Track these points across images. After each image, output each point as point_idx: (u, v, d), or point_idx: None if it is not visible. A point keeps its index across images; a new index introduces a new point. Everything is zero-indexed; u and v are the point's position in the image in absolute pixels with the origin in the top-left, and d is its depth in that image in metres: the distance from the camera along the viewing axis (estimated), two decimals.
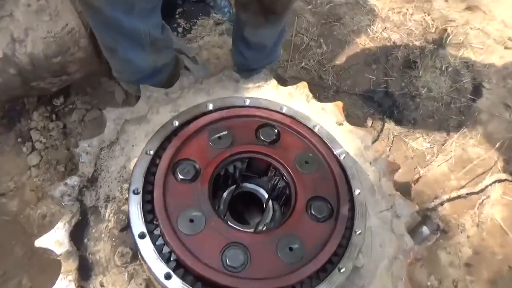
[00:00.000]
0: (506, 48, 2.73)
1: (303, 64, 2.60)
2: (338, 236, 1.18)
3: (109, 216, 1.23)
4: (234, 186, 1.40)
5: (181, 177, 1.21)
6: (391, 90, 2.53)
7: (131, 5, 1.26)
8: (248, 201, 1.44)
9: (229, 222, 1.25)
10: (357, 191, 1.27)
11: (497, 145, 2.36)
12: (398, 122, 2.47)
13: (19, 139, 2.14)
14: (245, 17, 1.71)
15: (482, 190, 2.27)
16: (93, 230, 1.21)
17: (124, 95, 2.24)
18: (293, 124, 1.37)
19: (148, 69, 1.61)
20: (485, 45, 2.72)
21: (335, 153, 1.35)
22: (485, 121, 2.46)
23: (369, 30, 2.71)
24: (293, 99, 1.53)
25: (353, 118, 2.43)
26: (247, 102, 1.43)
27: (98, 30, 1.37)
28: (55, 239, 1.16)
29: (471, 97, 2.52)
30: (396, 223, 1.35)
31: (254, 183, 1.43)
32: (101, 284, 1.15)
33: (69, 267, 1.13)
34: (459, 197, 2.25)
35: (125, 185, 1.26)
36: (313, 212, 1.22)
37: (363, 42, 2.68)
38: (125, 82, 1.79)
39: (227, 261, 1.09)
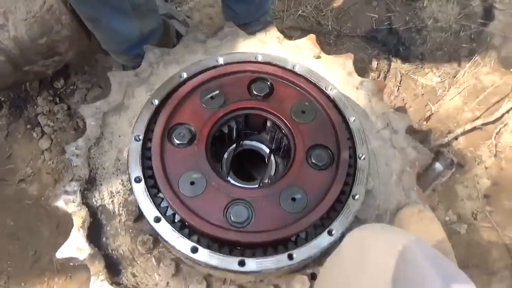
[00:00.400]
0: None
1: (300, 12, 2.49)
2: (340, 181, 1.16)
3: (119, 211, 1.25)
4: (234, 145, 1.40)
5: (177, 142, 1.21)
6: (395, 27, 2.41)
7: None
8: (252, 158, 1.44)
9: (232, 181, 1.25)
10: (351, 119, 1.26)
11: None
12: (405, 59, 2.36)
13: (29, 125, 2.19)
14: None
15: (498, 119, 2.19)
16: (108, 228, 1.23)
17: (122, 69, 2.22)
18: (286, 75, 1.33)
19: (134, 37, 1.57)
20: None
21: (321, 87, 1.32)
22: (498, 45, 2.32)
23: None
24: (265, 46, 1.50)
25: (357, 61, 2.34)
26: (221, 61, 1.38)
27: (76, 2, 1.33)
28: (75, 247, 1.17)
29: (482, 21, 2.36)
30: (396, 139, 1.37)
31: (254, 140, 1.42)
32: (133, 275, 1.18)
33: (97, 268, 1.15)
34: (474, 129, 2.18)
35: (125, 176, 1.27)
36: (313, 160, 1.20)
37: None
38: (114, 53, 1.76)
39: (231, 217, 1.11)
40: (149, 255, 1.20)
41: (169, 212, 1.14)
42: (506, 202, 2.06)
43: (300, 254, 1.07)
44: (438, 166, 1.83)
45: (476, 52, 2.32)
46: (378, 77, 2.33)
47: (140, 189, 1.14)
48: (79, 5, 1.35)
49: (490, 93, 2.25)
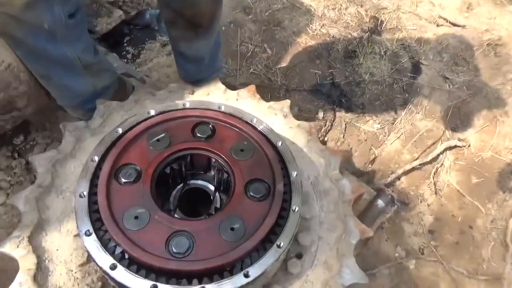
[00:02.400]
0: (437, 26, 2.91)
1: (251, 70, 2.73)
2: (275, 210, 1.26)
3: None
4: (181, 184, 1.49)
5: (124, 180, 1.29)
6: (337, 81, 2.67)
7: (53, 32, 1.34)
8: (198, 196, 1.53)
9: (175, 215, 1.33)
10: (279, 143, 1.42)
11: (441, 115, 2.50)
12: (348, 109, 2.59)
13: None
14: (176, 33, 1.83)
15: (434, 159, 2.40)
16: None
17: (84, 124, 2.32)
18: (226, 118, 1.47)
19: (87, 93, 1.69)
20: (418, 25, 2.90)
21: (272, 141, 1.45)
22: (427, 95, 2.61)
23: (308, 29, 2.87)
24: (210, 96, 1.69)
25: (305, 112, 2.55)
26: (187, 105, 1.53)
27: (27, 60, 1.45)
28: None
29: (412, 75, 2.67)
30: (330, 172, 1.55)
31: (200, 179, 1.52)
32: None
33: None
34: (413, 169, 2.37)
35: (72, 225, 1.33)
36: (251, 193, 1.31)
37: (304, 41, 2.83)
38: (69, 108, 1.87)
39: (173, 248, 1.17)
40: None
41: (125, 257, 1.18)
42: (449, 236, 2.19)
43: (255, 271, 1.15)
44: (380, 202, 1.96)
45: (409, 101, 2.59)
46: (325, 125, 2.53)
47: (91, 241, 1.18)
48: (30, 63, 1.47)
49: (425, 137, 2.48)
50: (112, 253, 1.18)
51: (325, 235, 1.45)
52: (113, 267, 1.15)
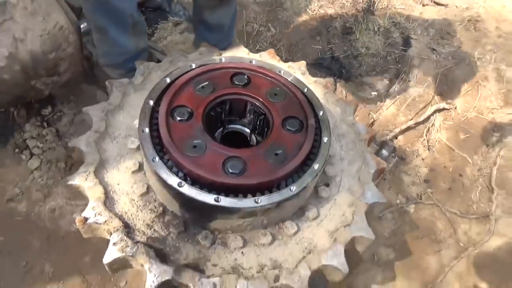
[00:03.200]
0: (423, 5, 3.23)
1: (257, 47, 2.96)
2: (310, 139, 1.50)
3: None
4: (222, 128, 1.70)
5: (178, 118, 1.50)
6: (336, 55, 2.94)
7: None
8: (235, 139, 1.75)
9: None
10: (305, 89, 1.65)
11: (430, 82, 2.80)
12: (347, 79, 2.86)
13: (17, 150, 2.34)
14: (202, 1, 2.05)
15: (426, 120, 2.69)
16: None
17: (106, 96, 2.50)
18: (259, 69, 1.70)
19: (131, 51, 1.90)
20: (406, 5, 3.21)
21: (299, 87, 1.69)
22: (418, 65, 2.91)
23: (308, 10, 3.13)
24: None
25: None
26: (223, 60, 1.74)
27: (91, 11, 1.65)
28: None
29: (403, 48, 2.97)
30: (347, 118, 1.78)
31: (237, 124, 1.74)
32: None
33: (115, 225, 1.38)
34: (408, 128, 2.65)
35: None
36: (288, 127, 1.54)
37: (305, 20, 3.09)
38: (112, 65, 2.06)
39: (229, 169, 1.39)
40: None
41: (187, 178, 1.37)
42: (442, 183, 2.48)
43: (297, 186, 1.38)
44: (384, 152, 2.23)
45: (401, 71, 2.88)
46: None
47: (159, 165, 1.36)
48: (95, 14, 1.67)
49: (417, 101, 2.78)
50: (177, 175, 1.38)
51: (346, 168, 1.69)
52: (180, 185, 1.35)
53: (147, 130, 1.47)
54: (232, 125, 1.74)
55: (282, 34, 3.04)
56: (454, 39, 3.00)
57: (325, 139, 1.54)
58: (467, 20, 3.10)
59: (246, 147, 1.69)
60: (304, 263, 1.43)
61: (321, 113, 1.61)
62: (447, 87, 2.81)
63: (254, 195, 1.37)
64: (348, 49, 2.95)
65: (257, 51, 2.93)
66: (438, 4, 3.21)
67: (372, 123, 2.69)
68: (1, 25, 1.53)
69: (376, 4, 3.16)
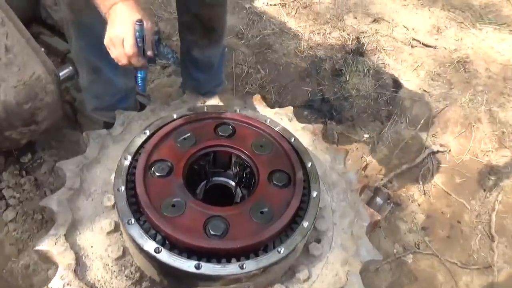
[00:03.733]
0: (412, 47, 3.24)
1: (247, 89, 2.92)
2: (298, 195, 1.40)
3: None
4: (205, 181, 1.61)
5: (157, 174, 1.40)
6: (326, 97, 2.90)
7: None
8: (220, 193, 1.64)
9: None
10: (292, 139, 1.57)
11: (423, 124, 2.75)
12: (339, 121, 2.81)
13: None
14: (191, 39, 2.05)
15: (420, 163, 2.62)
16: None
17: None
18: (244, 119, 1.62)
19: (122, 90, 1.87)
20: (395, 47, 3.22)
21: (286, 137, 1.61)
22: (409, 106, 2.87)
23: (297, 51, 3.13)
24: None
25: None
26: (205, 109, 1.68)
27: (86, 51, 1.62)
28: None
29: (393, 89, 2.94)
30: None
31: (222, 176, 1.64)
32: None
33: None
34: (402, 173, 2.57)
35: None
36: (274, 181, 1.44)
37: (294, 62, 3.07)
38: (104, 109, 2.00)
39: (211, 231, 1.28)
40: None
41: (166, 242, 1.26)
42: (440, 231, 2.37)
43: (286, 248, 1.28)
44: (378, 200, 2.13)
45: (393, 113, 2.84)
46: None
47: (134, 229, 1.26)
48: (89, 54, 1.65)
49: (410, 144, 2.71)
50: (154, 239, 1.27)
51: (338, 221, 1.59)
52: (157, 251, 1.23)
53: (122, 188, 1.37)
54: (217, 178, 1.64)
55: (271, 76, 3.01)
56: (445, 80, 2.99)
57: (314, 194, 1.44)
58: (457, 62, 3.11)
59: (230, 203, 1.59)
60: None
61: (309, 164, 1.52)
62: (440, 129, 2.76)
63: (238, 260, 1.26)
64: (338, 91, 2.91)
65: (247, 93, 2.90)
66: (426, 46, 3.23)
67: (365, 167, 2.61)
68: None
69: (365, 46, 3.17)
